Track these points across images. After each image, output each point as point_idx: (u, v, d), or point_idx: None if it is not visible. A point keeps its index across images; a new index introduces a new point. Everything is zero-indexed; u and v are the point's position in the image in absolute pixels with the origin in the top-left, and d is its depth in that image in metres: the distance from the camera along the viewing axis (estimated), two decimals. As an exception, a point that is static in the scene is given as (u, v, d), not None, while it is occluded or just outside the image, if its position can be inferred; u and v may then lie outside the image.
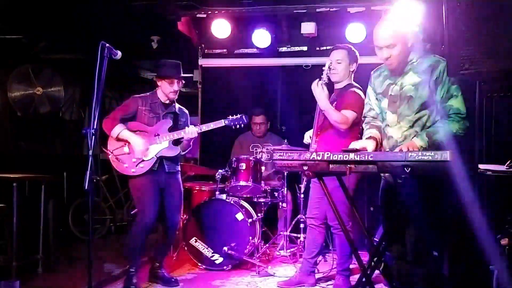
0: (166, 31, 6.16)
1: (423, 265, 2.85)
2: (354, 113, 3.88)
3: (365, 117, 3.34)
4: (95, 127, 3.04)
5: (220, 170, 5.09)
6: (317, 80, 3.84)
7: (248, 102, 6.18)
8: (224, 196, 4.92)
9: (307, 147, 4.15)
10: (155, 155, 4.09)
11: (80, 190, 3.04)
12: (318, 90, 3.78)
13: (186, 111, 4.46)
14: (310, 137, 4.09)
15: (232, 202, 4.84)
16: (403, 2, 4.81)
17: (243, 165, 5.02)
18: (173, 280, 4.25)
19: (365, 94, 3.97)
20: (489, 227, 2.85)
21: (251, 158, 5.10)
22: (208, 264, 4.75)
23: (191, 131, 4.10)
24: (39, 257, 4.66)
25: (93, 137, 3.00)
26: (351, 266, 4.19)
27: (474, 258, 3.15)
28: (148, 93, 4.29)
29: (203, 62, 6.49)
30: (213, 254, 4.74)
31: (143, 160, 4.07)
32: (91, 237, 3.17)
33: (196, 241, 4.78)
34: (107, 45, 3.20)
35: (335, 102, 3.99)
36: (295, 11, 5.61)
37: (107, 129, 4.12)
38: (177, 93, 4.25)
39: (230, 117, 4.29)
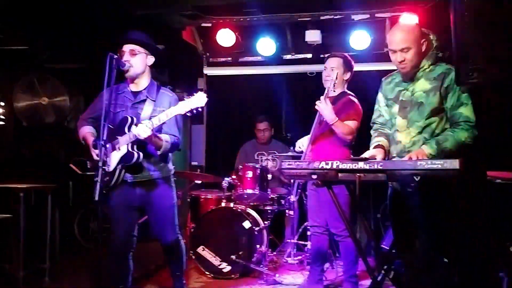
0: (171, 40, 6.18)
1: (434, 272, 2.85)
2: (356, 122, 3.95)
3: (374, 123, 3.36)
4: (104, 138, 3.05)
5: (226, 178, 5.10)
6: (321, 97, 3.86)
7: (253, 110, 6.21)
8: (231, 204, 4.93)
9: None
10: (117, 165, 3.34)
11: (85, 199, 3.05)
12: (323, 105, 3.81)
13: (170, 94, 3.47)
14: (301, 146, 4.14)
15: (239, 210, 4.85)
16: (408, 11, 4.85)
17: (249, 173, 5.03)
18: None
19: (359, 102, 4.02)
20: (498, 234, 2.86)
21: (257, 166, 5.11)
22: (215, 272, 4.75)
23: (138, 130, 3.17)
24: (46, 266, 4.67)
25: (103, 148, 3.02)
26: (358, 272, 4.19)
27: (483, 265, 3.16)
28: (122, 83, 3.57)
29: (208, 70, 6.50)
30: (220, 263, 4.74)
31: (106, 172, 3.22)
32: (101, 246, 3.16)
33: (203, 250, 4.79)
34: (115, 56, 3.20)
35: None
36: (299, 19, 5.62)
37: (77, 133, 3.58)
38: (133, 68, 3.41)
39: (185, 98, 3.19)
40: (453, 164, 2.39)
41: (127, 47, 3.44)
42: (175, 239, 3.59)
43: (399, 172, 2.54)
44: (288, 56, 6.29)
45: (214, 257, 4.75)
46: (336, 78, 3.93)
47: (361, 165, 2.65)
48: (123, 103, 3.48)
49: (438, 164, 2.43)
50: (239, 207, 4.93)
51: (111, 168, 3.32)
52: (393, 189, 3.12)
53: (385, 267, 2.85)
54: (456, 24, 2.50)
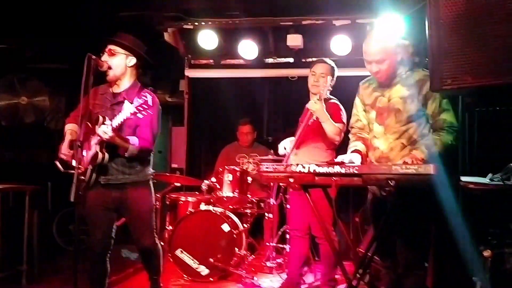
0: (153, 41, 6.17)
1: (413, 276, 2.88)
2: (343, 125, 3.97)
3: (352, 127, 3.38)
4: (81, 139, 3.04)
5: (205, 181, 5.09)
6: (314, 98, 3.88)
7: (235, 112, 6.20)
8: (210, 207, 4.92)
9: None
10: (88, 165, 3.26)
11: (64, 201, 3.03)
12: (318, 106, 3.81)
13: (146, 98, 3.11)
14: (285, 147, 4.15)
15: (218, 213, 4.84)
16: (389, 17, 4.89)
17: (229, 176, 5.02)
18: None
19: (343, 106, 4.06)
20: (471, 239, 2.90)
21: (237, 169, 5.11)
22: (193, 275, 4.72)
23: (100, 131, 3.13)
24: (23, 269, 4.61)
25: (79, 149, 3.00)
26: (337, 276, 4.21)
27: (457, 269, 3.20)
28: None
29: (189, 72, 6.49)
30: (198, 266, 4.72)
31: (81, 171, 3.21)
32: (78, 248, 3.14)
33: (181, 252, 4.77)
34: (94, 57, 3.18)
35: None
36: (281, 23, 5.66)
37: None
38: (112, 69, 3.38)
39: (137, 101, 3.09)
40: (427, 169, 2.43)
41: (108, 48, 3.41)
42: (151, 243, 3.55)
43: (374, 176, 2.57)
44: (270, 60, 6.32)
45: (192, 260, 4.73)
46: (326, 83, 3.97)
47: (337, 169, 2.68)
48: (103, 103, 3.43)
49: (412, 169, 2.46)
50: (218, 210, 4.92)
51: (83, 169, 3.24)
52: (372, 193, 3.14)
53: (360, 270, 2.87)
54: (432, 31, 2.53)
